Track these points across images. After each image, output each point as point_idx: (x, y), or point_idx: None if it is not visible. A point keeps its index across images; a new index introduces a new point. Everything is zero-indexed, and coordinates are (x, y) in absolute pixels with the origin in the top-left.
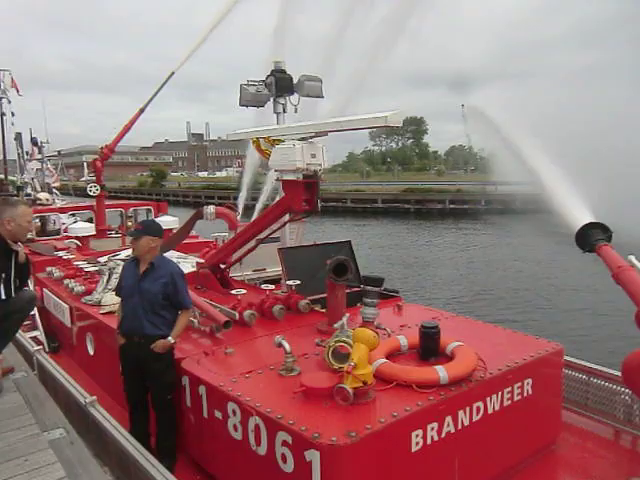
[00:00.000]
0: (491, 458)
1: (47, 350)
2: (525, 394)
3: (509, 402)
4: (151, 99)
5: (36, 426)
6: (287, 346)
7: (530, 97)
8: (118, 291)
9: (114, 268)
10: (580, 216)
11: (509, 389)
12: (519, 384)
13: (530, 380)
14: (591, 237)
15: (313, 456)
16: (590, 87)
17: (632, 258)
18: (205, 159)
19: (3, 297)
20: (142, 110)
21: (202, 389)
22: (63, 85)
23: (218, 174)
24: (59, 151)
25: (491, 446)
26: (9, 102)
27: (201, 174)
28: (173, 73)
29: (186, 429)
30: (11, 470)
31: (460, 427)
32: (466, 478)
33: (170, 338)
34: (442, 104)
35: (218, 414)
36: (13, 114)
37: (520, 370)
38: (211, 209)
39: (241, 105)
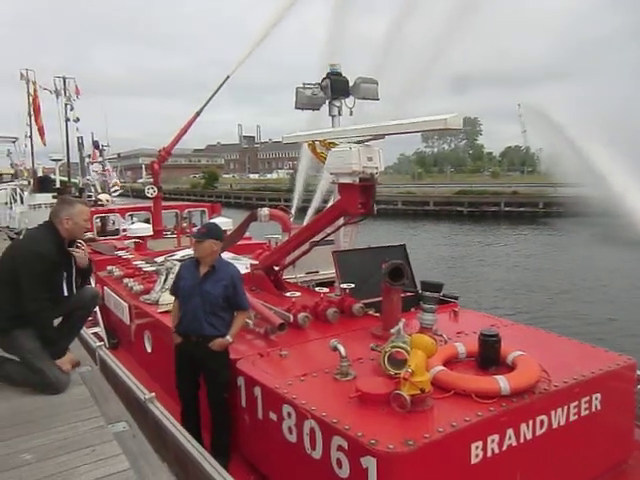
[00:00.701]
0: (555, 475)
1: (107, 346)
2: (593, 409)
3: (575, 417)
4: (207, 103)
5: (101, 418)
6: (342, 350)
7: (593, 95)
8: (174, 290)
9: (171, 268)
10: None
11: (575, 403)
12: (586, 398)
13: (599, 395)
14: None
15: (369, 463)
16: None
17: None
18: (256, 161)
19: (66, 294)
20: (198, 114)
21: (257, 390)
22: (122, 90)
23: (269, 176)
24: (119, 154)
25: (556, 462)
26: (72, 109)
27: (252, 176)
28: (228, 77)
29: (241, 429)
30: (81, 459)
31: (522, 441)
32: None
33: (228, 337)
34: (498, 104)
35: (273, 416)
36: (78, 119)
37: (588, 384)
38: (265, 211)
39: (296, 108)
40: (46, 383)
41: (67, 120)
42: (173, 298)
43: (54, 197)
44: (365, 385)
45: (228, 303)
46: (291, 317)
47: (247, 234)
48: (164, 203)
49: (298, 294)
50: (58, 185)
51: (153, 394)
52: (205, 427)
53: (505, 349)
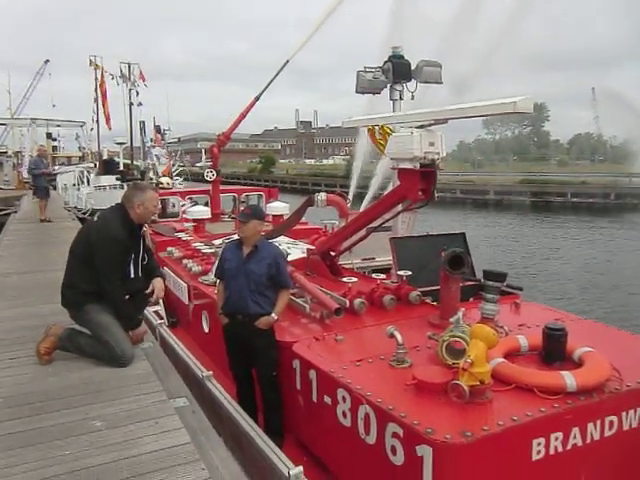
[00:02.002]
0: (625, 477)
1: (167, 324)
2: None
3: None
4: (266, 87)
5: (163, 393)
6: (399, 337)
7: None
8: (219, 273)
9: None
10: None
11: None
12: None
13: None
14: None
15: (425, 452)
16: None
17: None
18: (312, 146)
19: (132, 276)
20: (257, 98)
21: (312, 373)
22: (184, 76)
23: (325, 162)
24: (179, 138)
25: (624, 465)
26: (137, 94)
27: (308, 161)
28: (288, 61)
29: (295, 411)
30: (144, 430)
31: (589, 441)
32: None
33: (274, 315)
34: (569, 88)
35: (327, 399)
36: (141, 104)
37: None
38: (322, 196)
39: (357, 92)
40: (113, 356)
41: (131, 105)
42: None
43: (117, 179)
44: (422, 373)
45: (272, 282)
46: (347, 302)
47: (303, 219)
48: (222, 187)
49: (354, 280)
50: (121, 168)
51: (210, 372)
52: (261, 409)
53: (572, 344)
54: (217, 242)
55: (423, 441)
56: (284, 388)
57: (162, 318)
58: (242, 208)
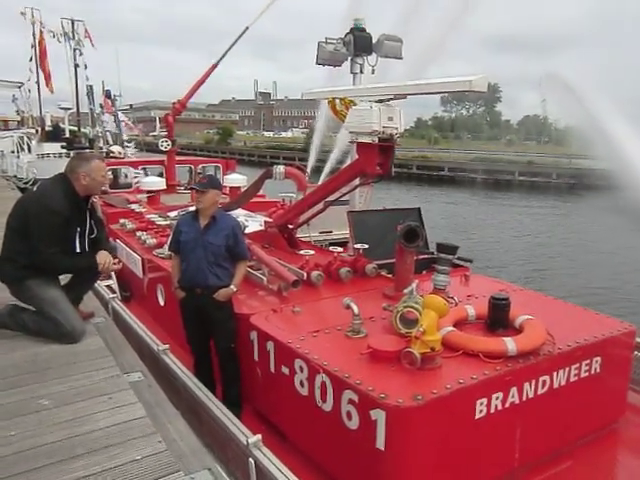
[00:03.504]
0: (553, 431)
1: (120, 299)
2: (592, 372)
3: (576, 378)
4: (224, 55)
5: (117, 368)
6: (355, 308)
7: (616, 66)
8: (174, 246)
9: None
10: None
11: (577, 366)
12: (587, 362)
13: (599, 359)
14: None
15: (379, 415)
16: None
17: None
18: (271, 118)
19: (78, 250)
20: (215, 66)
21: (270, 345)
22: (137, 38)
23: (284, 134)
24: (131, 105)
25: (554, 420)
26: (81, 54)
27: (266, 134)
28: (247, 28)
29: (253, 382)
30: (98, 406)
31: (525, 399)
32: (526, 449)
33: (232, 287)
34: (520, 71)
35: (285, 370)
36: (86, 66)
37: (589, 348)
38: (281, 169)
39: (317, 64)
40: (62, 332)
41: (76, 66)
42: None
43: (63, 147)
44: (376, 342)
45: (230, 253)
46: (305, 275)
47: (261, 192)
48: (177, 158)
49: (312, 252)
50: (67, 135)
51: (167, 346)
52: (219, 381)
53: (514, 313)
54: (173, 214)
55: (377, 405)
56: (242, 359)
57: (115, 292)
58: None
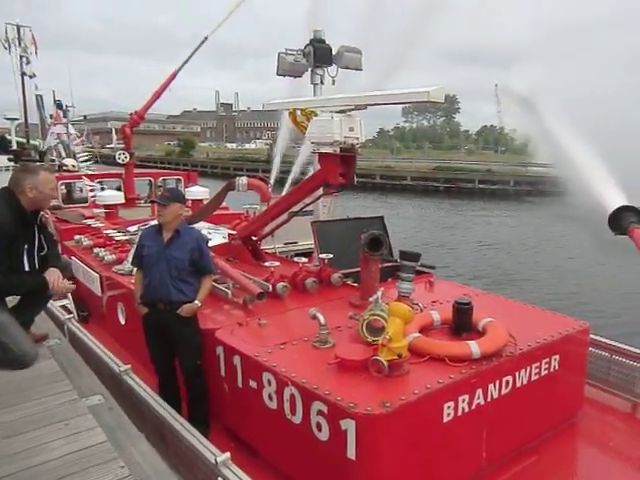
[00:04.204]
0: (517, 429)
1: (77, 319)
2: (552, 370)
3: (536, 377)
4: (183, 64)
5: (74, 392)
6: (322, 318)
7: (567, 79)
8: (137, 261)
9: None
10: (614, 199)
11: (537, 364)
12: (547, 360)
13: (557, 356)
14: (624, 220)
15: (349, 425)
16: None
17: None
18: (234, 130)
19: (27, 269)
20: (174, 76)
21: (237, 359)
22: (93, 46)
23: (247, 146)
24: (85, 116)
25: (517, 418)
26: (27, 62)
27: (229, 145)
28: (206, 38)
29: (220, 398)
30: (53, 434)
31: (489, 400)
32: (493, 447)
33: (197, 302)
34: (477, 83)
35: (253, 384)
36: (34, 75)
37: (548, 347)
38: (243, 180)
39: (278, 74)
40: (11, 358)
41: (23, 75)
42: None
43: (10, 160)
44: (344, 352)
45: (194, 267)
46: (270, 287)
47: (224, 204)
48: (137, 170)
49: (277, 264)
50: (15, 147)
51: (129, 366)
52: (185, 400)
53: (477, 316)
54: (133, 229)
55: (346, 415)
56: (208, 375)
57: (71, 312)
58: (160, 192)
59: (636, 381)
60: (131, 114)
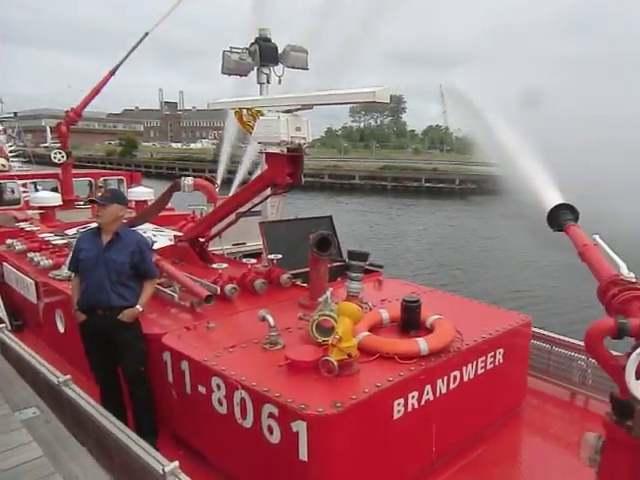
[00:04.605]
0: (465, 422)
1: (10, 329)
2: (497, 363)
3: (482, 370)
4: (122, 61)
5: (6, 406)
6: (271, 320)
7: (507, 80)
8: (74, 265)
9: None
10: (551, 197)
11: (483, 358)
12: (492, 354)
13: (502, 350)
14: (561, 217)
15: (300, 427)
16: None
17: (596, 237)
18: (179, 129)
19: None
20: (112, 73)
21: (185, 364)
22: (24, 40)
23: (193, 145)
24: (15, 113)
25: (465, 411)
26: None
27: (174, 145)
28: (147, 34)
29: (168, 405)
30: None
31: (438, 395)
32: (442, 441)
33: (138, 306)
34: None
35: (202, 389)
36: None
37: (493, 341)
38: (189, 181)
39: (223, 73)
40: None
41: None
42: None
43: None
44: (294, 353)
45: (135, 271)
46: (218, 289)
47: (170, 205)
48: (75, 171)
49: (225, 266)
50: None
51: (68, 376)
52: (130, 409)
53: (424, 313)
54: (71, 232)
55: (298, 417)
56: (155, 382)
57: (3, 322)
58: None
59: (574, 370)
60: (67, 111)
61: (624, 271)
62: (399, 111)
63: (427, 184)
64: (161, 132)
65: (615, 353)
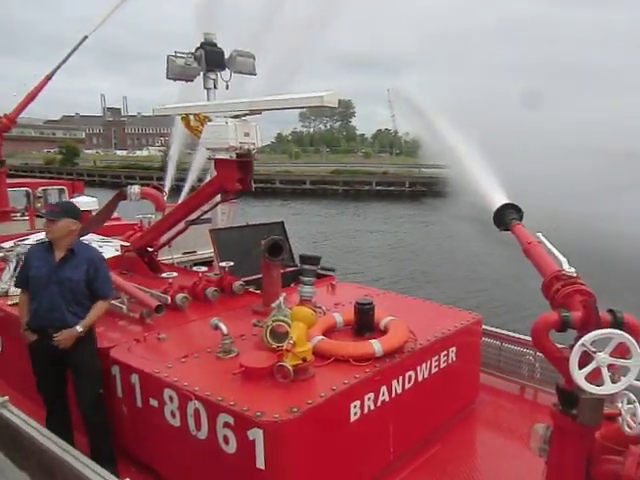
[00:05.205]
0: (421, 421)
1: None
2: (450, 361)
3: (436, 369)
4: (59, 66)
5: None
6: (224, 328)
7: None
8: (22, 282)
9: (23, 254)
10: (497, 198)
11: (436, 357)
12: (445, 352)
13: (454, 348)
14: (506, 217)
15: (256, 434)
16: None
17: (540, 235)
18: (123, 136)
19: None
20: (49, 77)
21: (135, 377)
22: None
23: (139, 153)
24: None
25: (421, 410)
26: None
27: (119, 152)
28: (86, 37)
29: (118, 422)
30: None
31: (394, 395)
32: (400, 441)
33: (78, 327)
34: (372, 88)
35: (154, 402)
36: None
37: (446, 340)
38: (136, 189)
39: (168, 78)
40: None
41: None
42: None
43: None
44: (248, 360)
45: (89, 289)
46: (169, 299)
47: (116, 214)
48: (10, 180)
49: (175, 274)
50: None
51: (6, 397)
52: (79, 431)
53: (378, 315)
54: (7, 245)
55: (253, 424)
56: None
57: None
58: (49, 204)
59: (523, 365)
60: (0, 118)
61: (565, 266)
62: (348, 115)
63: (378, 187)
64: (104, 139)
65: (560, 346)
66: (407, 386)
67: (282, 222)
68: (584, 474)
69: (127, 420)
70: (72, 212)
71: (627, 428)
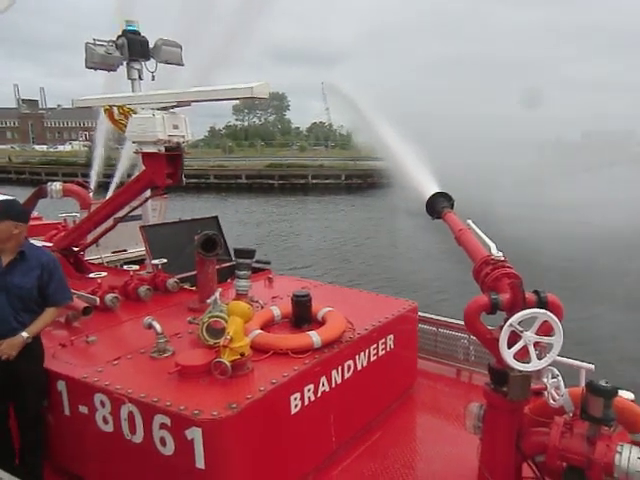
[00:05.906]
0: (362, 409)
1: None
2: (388, 349)
3: (375, 357)
4: None
5: None
6: (158, 326)
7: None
8: None
9: None
10: (428, 187)
11: (375, 346)
12: (383, 340)
13: (392, 336)
14: (438, 205)
15: (195, 434)
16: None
17: (470, 222)
18: (42, 130)
19: None
20: None
21: (61, 384)
22: None
23: (61, 148)
24: None
25: (361, 398)
26: None
27: (38, 147)
28: None
29: (46, 432)
30: None
31: (334, 385)
32: (341, 430)
33: (23, 334)
34: (305, 81)
35: (83, 409)
36: None
37: (383, 328)
38: (57, 186)
39: (87, 67)
40: None
41: None
42: None
43: None
44: (184, 359)
45: (41, 296)
46: (97, 300)
47: (36, 213)
48: None
49: (104, 274)
50: None
51: None
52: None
53: (316, 307)
54: None
55: (191, 424)
56: None
57: None
58: None
59: (458, 349)
60: None
61: (494, 251)
62: (283, 109)
63: (314, 180)
64: (20, 133)
65: (490, 328)
66: (347, 375)
67: (216, 217)
68: (514, 447)
69: (54, 430)
70: (14, 214)
71: (552, 401)
